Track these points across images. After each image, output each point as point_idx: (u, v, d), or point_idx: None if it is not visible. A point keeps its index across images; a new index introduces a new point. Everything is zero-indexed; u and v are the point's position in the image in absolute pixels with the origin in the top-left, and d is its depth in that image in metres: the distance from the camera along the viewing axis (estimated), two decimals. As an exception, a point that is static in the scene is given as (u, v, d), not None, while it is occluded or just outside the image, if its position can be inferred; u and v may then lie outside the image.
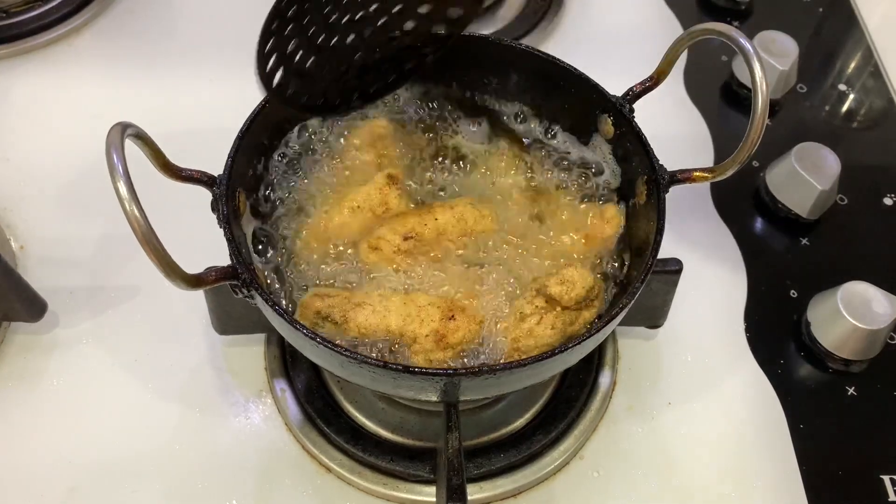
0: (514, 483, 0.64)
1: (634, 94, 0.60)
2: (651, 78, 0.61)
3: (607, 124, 0.62)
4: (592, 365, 0.69)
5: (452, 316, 0.55)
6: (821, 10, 1.02)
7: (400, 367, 0.48)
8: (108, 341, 0.70)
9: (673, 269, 0.65)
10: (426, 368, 0.49)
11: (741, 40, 0.53)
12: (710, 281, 0.76)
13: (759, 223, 0.82)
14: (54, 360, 0.69)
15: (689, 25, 0.98)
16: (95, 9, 0.93)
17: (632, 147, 0.60)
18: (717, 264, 0.78)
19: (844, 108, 0.93)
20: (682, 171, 0.58)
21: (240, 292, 0.51)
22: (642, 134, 0.59)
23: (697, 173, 0.57)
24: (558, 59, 0.63)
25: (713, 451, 0.67)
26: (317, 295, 0.57)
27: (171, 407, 0.67)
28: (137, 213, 0.44)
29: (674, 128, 0.88)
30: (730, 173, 0.56)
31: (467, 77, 0.67)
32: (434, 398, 0.52)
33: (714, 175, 0.57)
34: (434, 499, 0.62)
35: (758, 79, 0.52)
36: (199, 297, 0.67)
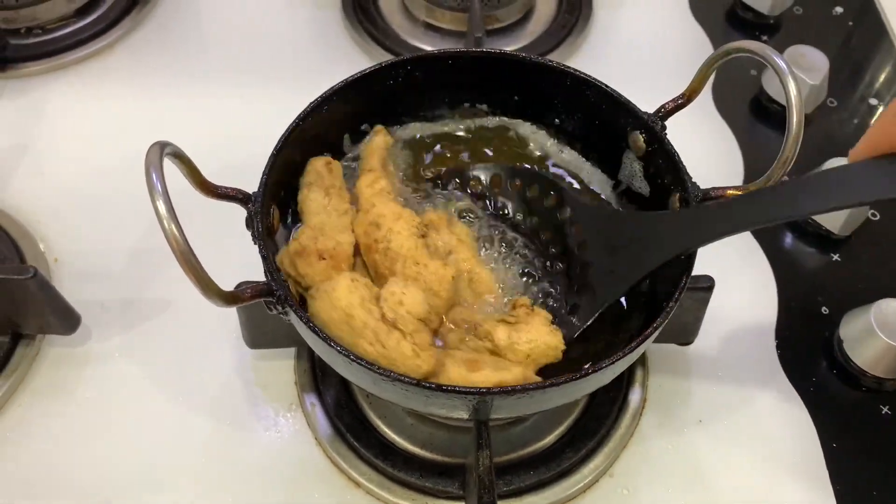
0: (543, 500, 0.63)
1: (667, 112, 0.60)
2: (683, 95, 0.61)
3: (639, 141, 0.62)
4: (622, 382, 0.69)
5: None
6: (850, 23, 1.01)
7: (433, 386, 0.48)
8: (139, 354, 0.71)
9: (704, 286, 0.64)
10: (459, 387, 0.49)
11: (776, 58, 0.52)
12: (741, 297, 0.76)
13: (789, 239, 0.81)
14: (88, 373, 0.70)
15: (718, 39, 0.99)
16: (128, 25, 0.94)
17: (664, 165, 0.60)
18: (748, 280, 0.77)
19: (875, 122, 0.92)
20: (714, 189, 0.57)
21: (274, 309, 0.52)
22: (675, 152, 0.58)
23: (731, 191, 0.57)
24: (589, 76, 0.63)
25: (744, 470, 0.67)
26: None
27: (202, 420, 0.68)
28: (176, 232, 0.44)
29: (703, 143, 0.88)
30: (764, 192, 0.55)
31: (492, 96, 0.67)
32: (465, 416, 0.52)
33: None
34: (464, 515, 0.62)
35: (793, 97, 0.52)
36: (229, 310, 0.67)
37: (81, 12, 0.94)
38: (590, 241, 0.61)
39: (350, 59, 0.94)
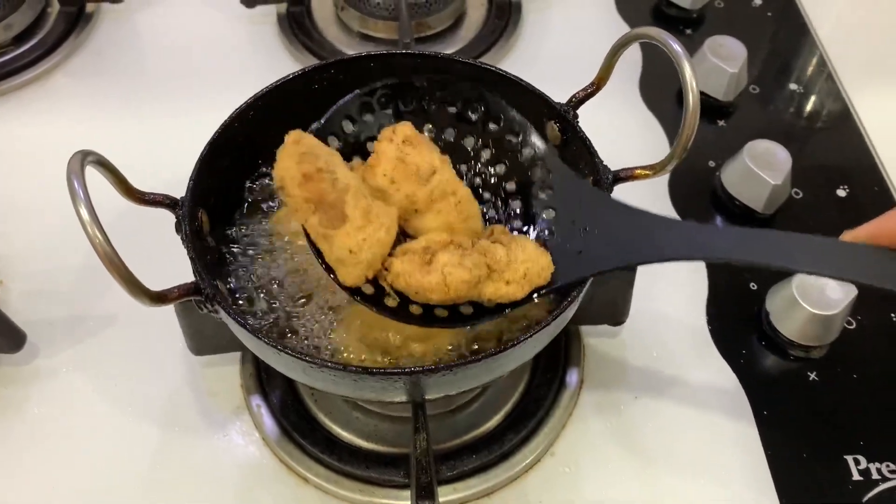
0: (486, 482, 0.65)
1: (577, 100, 0.63)
2: (592, 84, 0.64)
3: (554, 130, 0.64)
4: (559, 363, 0.71)
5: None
6: (769, 14, 1.05)
7: (360, 370, 0.50)
8: (88, 369, 0.72)
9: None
10: (384, 368, 0.51)
11: (670, 42, 0.55)
12: (671, 276, 0.78)
13: (717, 220, 0.84)
14: (35, 390, 0.71)
15: (642, 35, 1.02)
16: (67, 50, 0.96)
17: (577, 151, 0.62)
18: (677, 261, 0.80)
19: (797, 108, 0.96)
20: (624, 170, 0.60)
21: (204, 307, 0.53)
22: (586, 137, 0.61)
23: (639, 171, 0.60)
24: (504, 71, 0.65)
25: (681, 442, 0.69)
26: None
27: (152, 430, 0.69)
28: (99, 235, 0.46)
29: (631, 135, 0.91)
30: (669, 168, 0.58)
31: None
32: (397, 399, 0.54)
33: (655, 171, 0.59)
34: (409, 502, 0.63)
35: (687, 78, 0.55)
36: (174, 321, 0.69)
37: (19, 39, 0.95)
38: (560, 212, 0.59)
39: (288, 71, 0.95)
